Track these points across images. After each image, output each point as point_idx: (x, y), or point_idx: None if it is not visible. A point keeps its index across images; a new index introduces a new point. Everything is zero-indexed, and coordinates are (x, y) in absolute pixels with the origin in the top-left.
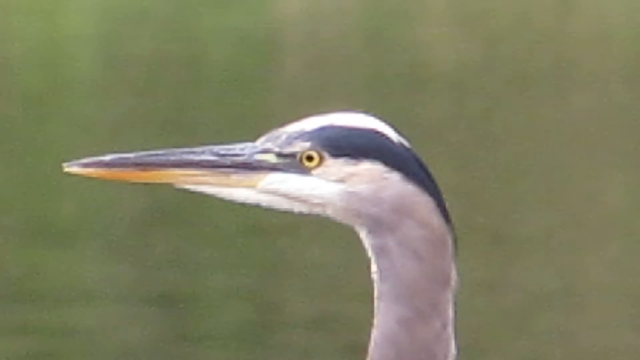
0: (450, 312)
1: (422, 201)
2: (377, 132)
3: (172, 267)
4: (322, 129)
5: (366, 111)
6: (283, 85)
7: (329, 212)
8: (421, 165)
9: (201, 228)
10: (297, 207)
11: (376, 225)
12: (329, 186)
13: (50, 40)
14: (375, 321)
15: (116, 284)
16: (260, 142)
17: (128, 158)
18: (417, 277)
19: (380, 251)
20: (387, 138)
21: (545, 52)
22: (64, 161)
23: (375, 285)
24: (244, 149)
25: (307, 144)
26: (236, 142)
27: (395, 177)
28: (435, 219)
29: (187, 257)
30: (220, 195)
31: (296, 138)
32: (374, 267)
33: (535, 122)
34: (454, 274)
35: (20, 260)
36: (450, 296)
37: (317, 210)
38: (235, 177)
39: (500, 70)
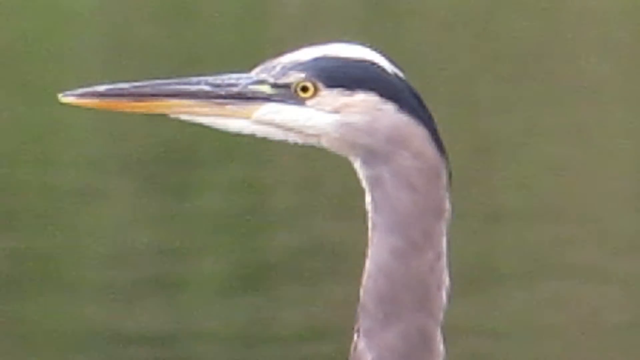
0: (444, 244)
1: (416, 132)
2: (372, 63)
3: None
4: (317, 59)
5: (361, 42)
6: (279, 15)
7: (324, 142)
8: (416, 97)
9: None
10: (292, 138)
11: (370, 156)
12: (324, 116)
13: None
14: (369, 252)
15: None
16: (255, 73)
17: (123, 88)
18: (410, 207)
19: (375, 182)
20: (382, 68)
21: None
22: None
23: (369, 216)
24: (239, 80)
25: (302, 75)
26: (231, 72)
27: (389, 107)
28: (429, 149)
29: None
30: (215, 126)
31: (291, 69)
32: (368, 198)
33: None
34: (447, 205)
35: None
36: (444, 227)
37: (311, 140)
38: (230, 108)
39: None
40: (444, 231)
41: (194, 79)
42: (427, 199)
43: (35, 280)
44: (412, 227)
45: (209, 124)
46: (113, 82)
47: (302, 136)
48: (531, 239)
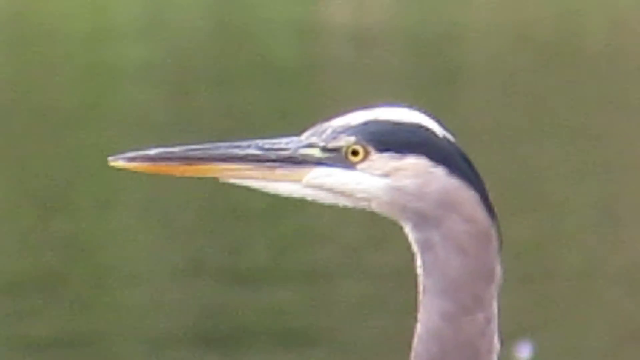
0: (495, 307)
1: (467, 196)
2: (422, 126)
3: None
4: (367, 123)
5: (411, 105)
6: (330, 77)
7: (374, 206)
8: (466, 160)
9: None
10: (342, 201)
11: (421, 220)
12: (374, 180)
13: (97, 29)
14: (420, 316)
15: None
16: (306, 137)
17: (173, 152)
18: (461, 271)
19: (425, 245)
20: (432, 132)
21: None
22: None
23: (420, 279)
24: (289, 143)
25: (352, 139)
26: (281, 136)
27: (440, 171)
28: (480, 213)
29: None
30: (265, 190)
31: (341, 132)
32: (418, 262)
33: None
34: (498, 269)
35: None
36: (494, 291)
37: (362, 204)
38: (280, 172)
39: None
40: (495, 295)
41: (244, 143)
42: (477, 263)
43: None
44: (462, 291)
45: (260, 188)
46: (163, 145)
47: (353, 200)
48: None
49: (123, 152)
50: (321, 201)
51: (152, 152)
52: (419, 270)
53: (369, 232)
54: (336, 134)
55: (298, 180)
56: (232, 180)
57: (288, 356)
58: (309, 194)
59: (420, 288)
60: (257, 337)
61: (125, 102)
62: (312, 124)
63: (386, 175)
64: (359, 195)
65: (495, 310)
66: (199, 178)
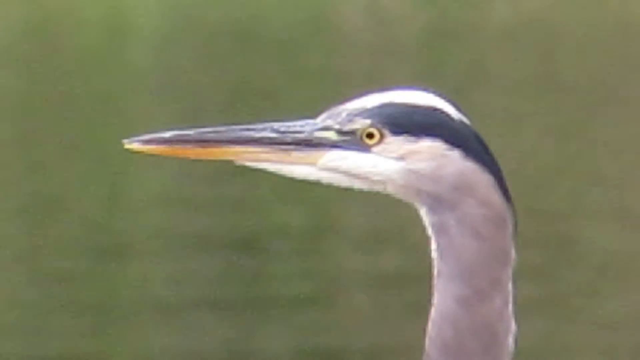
0: (511, 290)
1: (482, 179)
2: (437, 109)
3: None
4: (383, 106)
5: (426, 87)
6: (344, 58)
7: (390, 189)
8: (481, 143)
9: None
10: (358, 184)
11: (436, 203)
12: (389, 163)
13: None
14: (434, 300)
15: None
16: (321, 119)
17: (188, 135)
18: (476, 255)
19: (440, 229)
20: (447, 115)
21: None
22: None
23: (435, 263)
24: (304, 126)
25: (368, 121)
26: (296, 119)
27: (455, 154)
28: (495, 197)
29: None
30: (281, 172)
31: (357, 115)
32: (433, 245)
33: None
34: (513, 253)
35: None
36: (510, 274)
37: (377, 187)
38: (295, 154)
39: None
40: (510, 277)
41: (260, 126)
42: (493, 246)
43: None
44: (478, 275)
45: (275, 171)
46: (178, 128)
47: (368, 182)
48: None
49: (138, 134)
50: (336, 184)
51: (167, 134)
52: (434, 254)
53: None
54: (351, 116)
55: (313, 163)
56: (247, 163)
57: (300, 320)
58: (325, 176)
59: (435, 272)
60: (270, 302)
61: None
62: (328, 107)
63: (401, 158)
64: (374, 178)
65: (511, 292)
66: (213, 160)
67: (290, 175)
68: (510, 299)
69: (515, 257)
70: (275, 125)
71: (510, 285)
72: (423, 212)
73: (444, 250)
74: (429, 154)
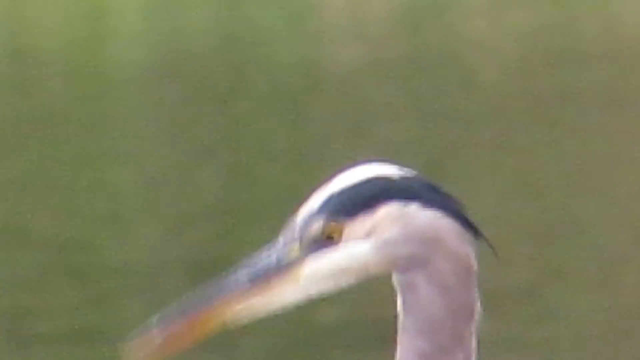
0: (474, 344)
1: (445, 224)
2: (378, 177)
3: None
4: (327, 200)
5: (367, 158)
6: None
7: (372, 270)
8: (434, 189)
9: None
10: (345, 280)
11: (410, 263)
12: (360, 245)
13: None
14: (397, 354)
15: None
16: (282, 240)
17: (174, 327)
18: (443, 310)
19: (409, 287)
20: (389, 177)
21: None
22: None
23: (399, 317)
24: (270, 256)
25: (321, 221)
26: (259, 250)
27: (413, 208)
28: (461, 245)
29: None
30: (273, 307)
31: (308, 221)
32: (399, 301)
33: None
34: (478, 306)
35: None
36: (474, 328)
37: (361, 275)
38: (275, 283)
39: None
40: (474, 332)
41: (231, 277)
42: (459, 300)
43: None
44: (442, 331)
45: (268, 310)
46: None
47: (352, 274)
48: None
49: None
50: (326, 292)
51: (157, 339)
52: (399, 309)
53: None
54: (305, 224)
55: (296, 282)
56: (242, 319)
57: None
58: (312, 289)
59: (400, 327)
60: None
61: (125, 107)
62: (283, 223)
63: (368, 235)
64: (354, 267)
65: (474, 347)
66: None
67: (282, 306)
68: (473, 353)
69: (479, 312)
70: (244, 271)
71: (473, 340)
72: (394, 273)
73: (410, 307)
74: (389, 219)
